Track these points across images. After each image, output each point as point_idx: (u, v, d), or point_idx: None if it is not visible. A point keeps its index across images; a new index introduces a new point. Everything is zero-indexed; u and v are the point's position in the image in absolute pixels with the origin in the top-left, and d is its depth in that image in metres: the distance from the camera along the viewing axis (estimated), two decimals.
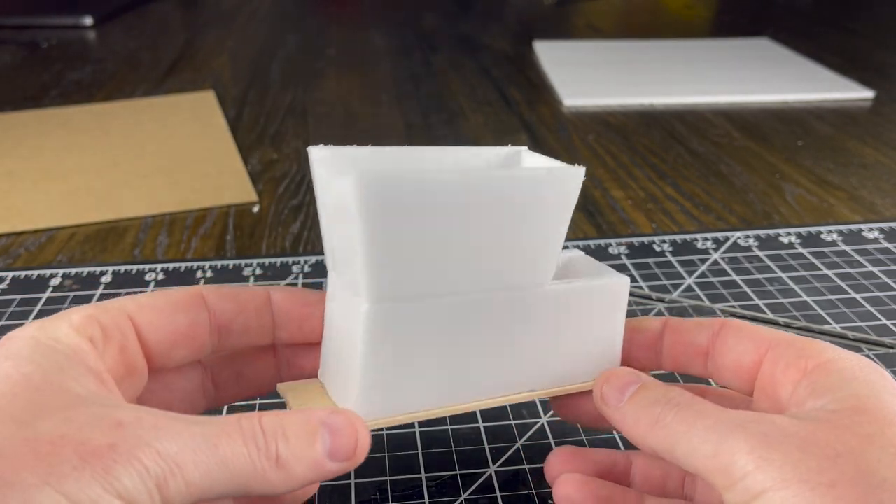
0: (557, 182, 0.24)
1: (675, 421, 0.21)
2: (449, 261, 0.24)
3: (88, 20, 1.06)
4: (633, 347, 0.28)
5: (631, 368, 0.26)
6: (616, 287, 0.27)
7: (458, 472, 0.30)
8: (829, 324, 0.40)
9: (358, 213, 0.21)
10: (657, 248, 0.48)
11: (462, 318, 0.25)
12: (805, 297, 0.42)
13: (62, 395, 0.19)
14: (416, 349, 0.25)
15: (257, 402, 0.34)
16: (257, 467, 0.19)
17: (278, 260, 0.46)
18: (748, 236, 0.49)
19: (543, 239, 0.25)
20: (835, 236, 0.49)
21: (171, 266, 0.46)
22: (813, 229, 0.50)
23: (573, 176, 0.25)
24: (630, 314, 0.40)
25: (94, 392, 0.20)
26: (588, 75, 0.83)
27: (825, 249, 0.48)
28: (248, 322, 0.25)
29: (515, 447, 0.32)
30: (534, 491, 0.29)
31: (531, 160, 0.28)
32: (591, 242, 0.48)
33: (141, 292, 0.43)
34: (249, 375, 0.28)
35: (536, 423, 0.33)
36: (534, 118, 0.72)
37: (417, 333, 0.24)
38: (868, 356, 0.37)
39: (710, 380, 0.27)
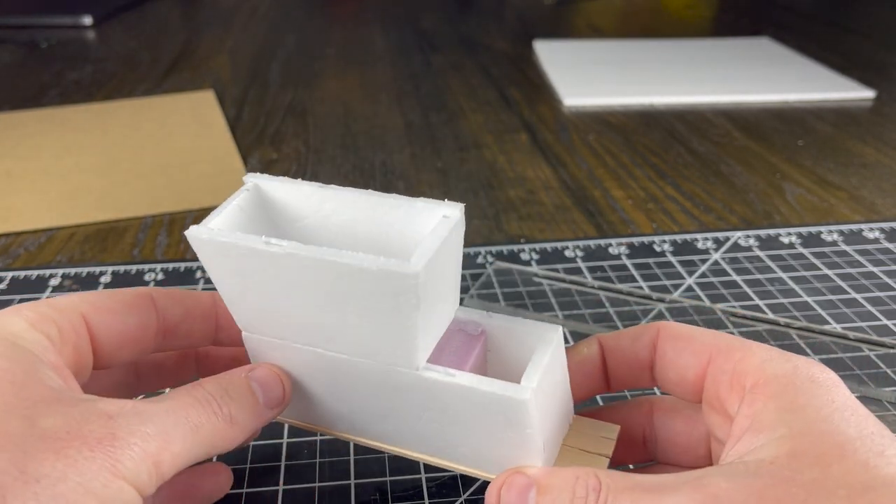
0: (379, 279, 0.20)
1: None
2: (295, 320, 0.23)
3: (88, 20, 1.06)
4: (578, 378, 0.26)
5: (513, 469, 0.23)
6: (507, 403, 0.22)
7: (458, 473, 0.30)
8: (830, 324, 0.40)
9: (201, 261, 0.23)
10: (657, 248, 0.48)
11: (328, 368, 0.25)
12: (805, 297, 0.42)
13: (43, 389, 0.20)
14: (299, 377, 0.26)
15: None
16: (218, 428, 0.22)
17: None
18: (748, 236, 0.49)
19: (391, 327, 0.22)
20: (835, 236, 0.49)
21: (170, 266, 0.46)
22: (813, 229, 0.50)
23: (399, 278, 0.20)
24: (631, 314, 0.41)
25: (62, 387, 0.21)
26: (588, 75, 0.83)
27: (826, 249, 0.48)
28: (193, 327, 0.26)
29: None
30: None
31: (435, 226, 0.22)
32: (592, 242, 0.48)
33: None
34: (170, 367, 0.29)
35: None
36: (534, 118, 0.72)
37: (289, 365, 0.25)
38: (868, 356, 0.37)
39: (658, 389, 0.26)
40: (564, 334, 0.25)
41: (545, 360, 0.23)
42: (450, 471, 0.28)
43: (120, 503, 0.19)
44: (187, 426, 0.21)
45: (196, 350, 0.29)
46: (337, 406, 0.26)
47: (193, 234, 0.22)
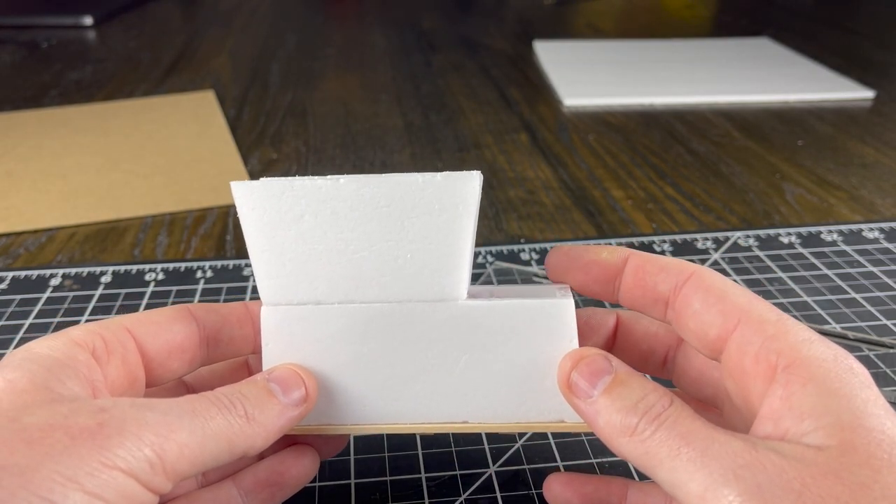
0: (443, 188, 0.23)
1: (656, 441, 0.20)
2: (340, 266, 0.24)
3: (88, 20, 1.06)
4: (591, 280, 0.25)
5: (599, 350, 0.23)
6: (552, 310, 0.24)
7: (458, 472, 0.30)
8: (829, 324, 0.40)
9: (241, 217, 0.24)
10: (657, 249, 0.48)
11: (368, 326, 0.25)
12: (805, 297, 0.42)
13: (45, 392, 0.20)
14: (320, 356, 0.25)
15: None
16: (233, 425, 0.21)
17: None
18: (748, 236, 0.49)
19: (444, 247, 0.24)
20: (835, 236, 0.49)
21: (170, 266, 0.46)
22: (813, 229, 0.50)
23: (463, 181, 0.23)
24: None
25: (72, 392, 0.20)
26: (588, 75, 0.83)
27: (825, 249, 0.48)
28: (233, 332, 0.26)
29: (515, 447, 0.32)
30: (534, 491, 0.29)
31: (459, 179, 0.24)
32: (591, 243, 0.48)
33: (141, 292, 0.43)
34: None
35: None
36: (534, 118, 0.72)
37: (321, 339, 0.25)
38: (868, 356, 0.37)
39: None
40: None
41: (569, 290, 0.25)
42: (481, 432, 0.28)
43: (116, 494, 0.18)
44: (195, 419, 0.20)
45: (249, 367, 0.29)
46: (364, 382, 0.25)
47: (243, 183, 0.23)
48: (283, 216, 0.24)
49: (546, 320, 0.24)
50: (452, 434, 0.32)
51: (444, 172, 0.23)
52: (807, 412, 0.19)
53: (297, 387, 0.24)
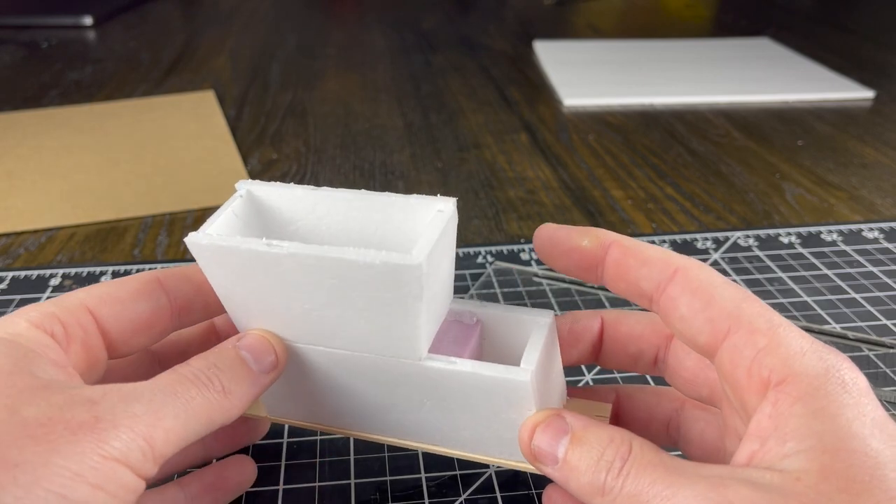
0: (384, 273, 0.21)
1: (625, 499, 0.19)
2: (297, 320, 0.24)
3: (88, 20, 1.06)
4: (570, 263, 0.24)
5: (551, 410, 0.23)
6: (508, 385, 0.23)
7: (458, 472, 0.30)
8: (829, 324, 0.40)
9: (201, 267, 0.23)
10: None
11: (334, 367, 0.25)
12: (805, 297, 0.42)
13: (30, 380, 0.20)
14: (294, 379, 0.26)
15: None
16: (212, 402, 0.22)
17: None
18: (748, 236, 0.49)
19: (398, 320, 0.22)
20: (835, 236, 0.49)
21: (170, 266, 0.46)
22: (813, 229, 0.50)
23: (405, 270, 0.20)
24: None
25: (54, 379, 0.21)
26: (588, 75, 0.83)
27: (825, 249, 0.48)
28: (208, 299, 0.26)
29: None
30: (534, 491, 0.29)
31: (431, 219, 0.23)
32: None
33: None
34: (193, 353, 0.29)
35: None
36: (534, 118, 0.72)
37: (290, 364, 0.25)
38: (868, 356, 0.37)
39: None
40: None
41: (541, 342, 0.24)
42: (451, 457, 0.29)
43: (114, 484, 0.19)
44: (177, 402, 0.21)
45: (218, 332, 0.29)
46: (338, 402, 0.26)
47: (193, 240, 0.22)
48: (237, 273, 0.23)
49: (503, 392, 0.23)
50: None
51: (383, 256, 0.20)
52: (790, 434, 0.19)
53: (268, 353, 0.24)
